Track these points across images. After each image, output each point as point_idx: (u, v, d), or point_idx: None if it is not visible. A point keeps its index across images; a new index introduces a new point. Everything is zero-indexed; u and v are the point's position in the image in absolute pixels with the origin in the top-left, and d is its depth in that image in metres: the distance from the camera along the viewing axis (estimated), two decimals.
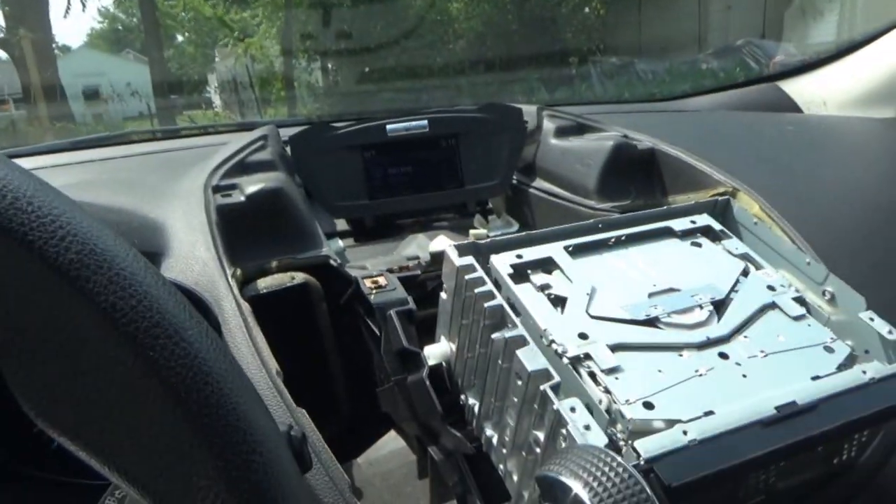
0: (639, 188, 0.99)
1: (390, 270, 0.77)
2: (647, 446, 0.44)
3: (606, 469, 0.39)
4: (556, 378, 0.48)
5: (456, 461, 0.61)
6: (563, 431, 0.45)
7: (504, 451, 0.55)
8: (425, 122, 1.08)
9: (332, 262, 0.79)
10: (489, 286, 0.55)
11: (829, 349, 0.54)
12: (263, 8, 9.57)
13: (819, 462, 0.56)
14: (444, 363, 0.62)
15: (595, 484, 0.38)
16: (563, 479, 0.39)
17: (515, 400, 0.51)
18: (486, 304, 0.53)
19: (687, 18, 9.51)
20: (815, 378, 0.50)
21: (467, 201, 1.11)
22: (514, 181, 1.12)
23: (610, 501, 0.37)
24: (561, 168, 1.06)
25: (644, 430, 0.46)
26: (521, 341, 0.50)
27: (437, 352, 0.62)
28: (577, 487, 0.38)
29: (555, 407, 0.46)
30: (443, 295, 0.61)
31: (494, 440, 0.56)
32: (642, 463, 0.43)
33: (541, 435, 0.48)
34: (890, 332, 0.54)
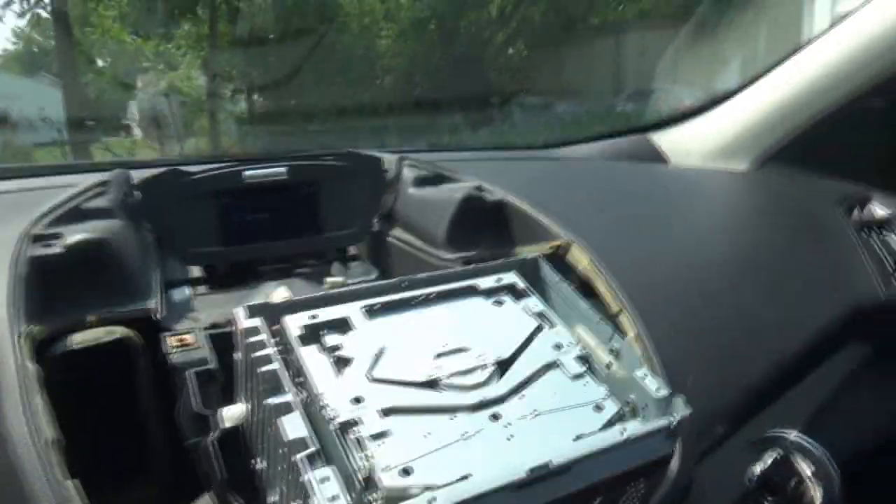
0: (488, 239, 1.02)
1: (213, 326, 0.76)
2: None
3: None
4: (312, 447, 0.48)
5: None
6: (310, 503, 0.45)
7: None
8: (284, 168, 1.08)
9: (154, 315, 0.77)
10: (268, 350, 0.54)
11: (598, 408, 0.56)
12: (186, 40, 9.41)
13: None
14: (241, 426, 0.61)
15: None
16: None
17: (280, 469, 0.51)
18: (260, 369, 0.53)
19: (604, 62, 9.99)
20: (577, 438, 0.52)
21: (325, 249, 1.11)
22: (375, 229, 1.13)
23: None
24: (417, 217, 1.07)
25: (400, 497, 0.47)
26: (285, 408, 0.50)
27: (233, 413, 0.61)
28: None
29: (302, 478, 0.46)
30: (235, 356, 0.60)
31: None
32: None
33: None
34: (658, 390, 0.56)
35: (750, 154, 1.50)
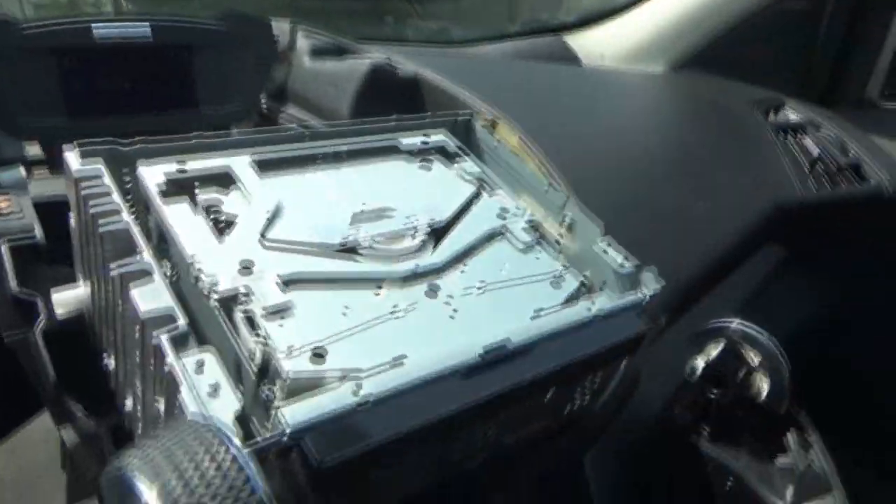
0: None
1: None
2: (300, 411, 0.31)
3: (201, 457, 0.25)
4: (180, 321, 0.33)
5: (97, 446, 0.45)
6: (178, 399, 0.31)
7: (139, 429, 0.40)
8: (147, 28, 0.86)
9: None
10: (113, 201, 0.38)
11: (556, 282, 0.45)
12: None
13: (547, 412, 0.48)
14: (84, 312, 0.45)
15: (177, 485, 0.25)
16: (136, 480, 0.25)
17: (135, 360, 0.36)
18: (103, 228, 0.37)
19: None
20: (535, 315, 0.41)
21: (201, 126, 0.91)
22: (264, 106, 0.95)
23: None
24: (315, 93, 0.91)
25: (309, 386, 0.34)
26: (138, 275, 0.35)
27: (68, 297, 0.44)
28: (147, 494, 0.25)
29: (167, 364, 0.31)
30: (71, 219, 0.44)
31: (132, 415, 0.41)
32: (286, 436, 0.30)
33: (161, 406, 0.34)
34: (622, 265, 0.46)
35: (666, 57, 1.45)
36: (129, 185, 0.43)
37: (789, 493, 0.67)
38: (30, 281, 0.46)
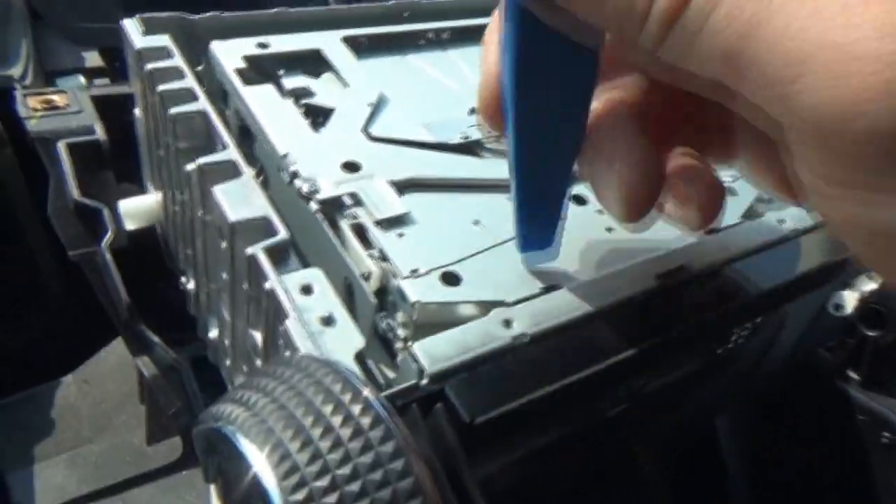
0: None
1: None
2: (438, 350, 0.24)
3: (327, 409, 0.18)
4: (282, 233, 0.26)
5: (177, 379, 0.39)
6: (283, 331, 0.24)
7: (228, 362, 0.33)
8: None
9: (14, 86, 0.51)
10: (186, 79, 0.31)
11: (730, 190, 0.36)
12: None
13: (699, 352, 0.40)
14: (157, 226, 0.39)
15: (297, 447, 0.17)
16: (241, 439, 0.18)
17: (224, 276, 0.29)
18: (175, 110, 0.29)
19: None
20: (710, 230, 0.32)
21: None
22: None
23: (322, 483, 0.17)
24: None
25: (442, 320, 0.26)
26: (224, 172, 0.27)
27: (138, 207, 0.38)
28: (256, 459, 0.18)
29: (268, 285, 0.24)
30: (136, 112, 0.36)
31: (218, 346, 0.34)
32: (424, 382, 0.23)
33: (258, 336, 0.27)
34: None
35: None
36: (200, 69, 0.35)
37: None
38: (93, 190, 0.39)
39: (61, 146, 0.37)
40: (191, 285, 0.36)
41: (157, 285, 0.41)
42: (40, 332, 0.53)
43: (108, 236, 0.36)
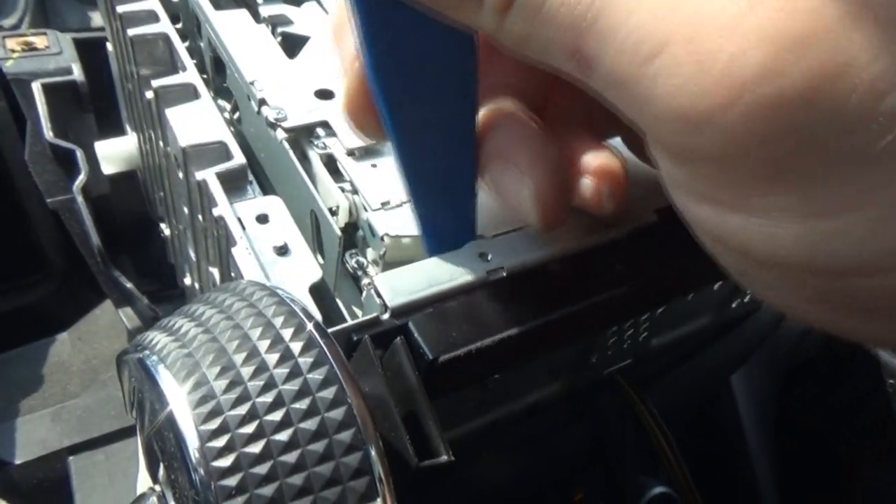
0: None
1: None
2: (404, 284, 0.22)
3: (259, 340, 0.16)
4: (235, 158, 0.24)
5: None
6: (230, 259, 0.22)
7: None
8: None
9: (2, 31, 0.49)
10: (148, 3, 0.28)
11: None
12: None
13: (714, 305, 0.37)
14: (137, 172, 0.37)
15: (220, 382, 0.15)
16: (159, 370, 0.16)
17: (186, 211, 0.27)
18: (133, 31, 0.27)
19: None
20: None
21: None
22: None
23: (239, 411, 0.15)
24: None
25: (414, 256, 0.24)
26: (182, 93, 0.25)
27: (115, 150, 0.36)
28: (174, 395, 0.16)
29: (216, 211, 0.22)
30: (108, 46, 0.34)
31: (190, 292, 0.32)
32: (385, 316, 0.21)
33: (216, 273, 0.25)
34: None
35: None
36: (175, 1, 0.33)
37: None
38: (72, 134, 0.38)
39: (36, 86, 0.35)
40: (167, 231, 0.35)
41: (144, 237, 0.39)
42: (38, 291, 0.53)
43: (81, 178, 0.34)
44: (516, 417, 0.32)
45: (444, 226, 0.23)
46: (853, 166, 0.12)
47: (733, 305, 0.38)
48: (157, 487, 0.17)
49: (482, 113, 0.21)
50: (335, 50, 0.20)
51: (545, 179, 0.20)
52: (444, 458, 0.18)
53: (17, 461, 0.40)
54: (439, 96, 0.19)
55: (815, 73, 0.11)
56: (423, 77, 0.18)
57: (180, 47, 0.27)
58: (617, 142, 0.25)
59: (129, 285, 0.36)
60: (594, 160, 0.21)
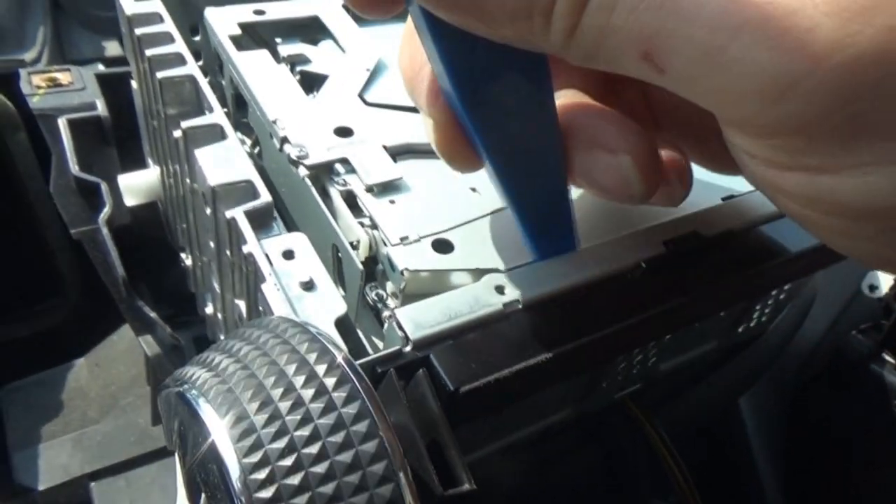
0: None
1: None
2: (424, 317, 0.23)
3: (294, 374, 0.17)
4: (264, 196, 0.25)
5: (180, 359, 0.39)
6: (260, 295, 0.23)
7: (221, 336, 0.33)
8: None
9: (25, 66, 0.51)
10: (174, 44, 0.30)
11: None
12: None
13: (720, 329, 0.38)
14: (158, 202, 0.38)
15: (258, 414, 0.16)
16: (200, 404, 0.17)
17: (212, 245, 0.28)
18: (162, 74, 0.28)
19: None
20: (728, 197, 0.30)
21: None
22: None
23: (279, 445, 0.16)
24: None
25: (433, 289, 0.25)
26: (210, 133, 0.26)
27: (137, 183, 0.37)
28: (215, 425, 0.17)
29: (246, 248, 0.23)
30: (133, 83, 0.36)
31: (213, 321, 0.33)
32: (407, 348, 0.22)
33: (243, 306, 0.26)
34: None
35: None
36: (198, 40, 0.34)
37: None
38: (96, 167, 0.39)
39: (61, 122, 0.37)
40: (189, 261, 0.36)
41: (163, 265, 0.40)
42: (56, 316, 0.54)
43: (106, 211, 0.35)
44: (529, 441, 0.33)
45: (547, 234, 0.24)
46: None
47: (740, 330, 0.39)
48: None
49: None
50: (413, 98, 0.22)
51: (637, 146, 0.21)
52: (467, 486, 0.19)
53: (41, 487, 0.41)
54: (524, 112, 0.21)
55: (884, 35, 0.13)
56: (508, 99, 0.20)
57: (207, 89, 0.28)
58: None
59: (152, 315, 0.37)
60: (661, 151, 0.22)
